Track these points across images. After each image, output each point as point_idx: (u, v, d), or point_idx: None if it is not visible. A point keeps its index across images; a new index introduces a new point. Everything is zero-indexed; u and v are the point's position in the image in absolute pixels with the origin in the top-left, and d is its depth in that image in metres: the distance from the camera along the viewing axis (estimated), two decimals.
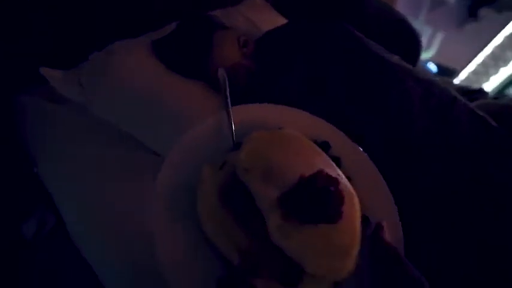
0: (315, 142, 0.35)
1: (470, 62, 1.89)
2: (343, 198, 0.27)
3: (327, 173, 0.27)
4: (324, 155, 0.34)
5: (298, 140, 0.33)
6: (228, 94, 0.35)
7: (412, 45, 1.14)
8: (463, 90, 1.09)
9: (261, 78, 0.65)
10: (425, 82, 0.63)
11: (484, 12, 1.73)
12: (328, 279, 0.27)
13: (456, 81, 1.95)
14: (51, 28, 0.75)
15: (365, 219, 0.31)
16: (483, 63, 1.88)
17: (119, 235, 0.59)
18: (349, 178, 0.33)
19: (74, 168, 0.67)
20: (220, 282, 0.26)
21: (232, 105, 0.36)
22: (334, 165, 0.33)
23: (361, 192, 0.32)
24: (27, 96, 0.77)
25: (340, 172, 0.32)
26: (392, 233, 0.30)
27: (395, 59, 0.68)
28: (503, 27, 1.72)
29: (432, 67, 1.78)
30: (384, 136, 0.55)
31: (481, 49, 1.83)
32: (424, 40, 1.74)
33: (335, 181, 0.27)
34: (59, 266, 0.85)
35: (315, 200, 0.26)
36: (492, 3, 1.68)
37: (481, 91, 1.05)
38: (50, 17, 0.74)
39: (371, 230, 0.30)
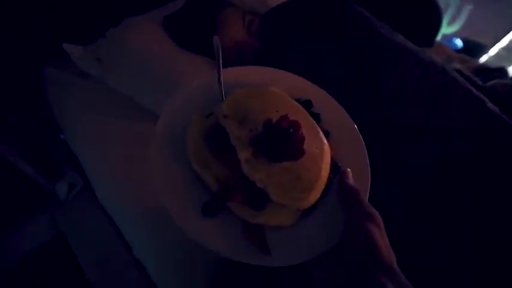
0: (298, 100, 0.40)
1: (502, 37, 1.74)
2: (303, 139, 0.32)
3: (289, 118, 0.32)
4: (303, 110, 0.38)
5: (275, 94, 0.38)
6: (220, 58, 0.39)
7: (431, 19, 1.08)
8: (482, 69, 1.04)
9: (264, 58, 0.66)
10: (425, 63, 0.62)
11: None
12: (291, 207, 0.32)
13: (485, 57, 1.82)
14: (51, 28, 0.79)
15: (336, 166, 0.36)
16: None
17: (137, 193, 0.67)
18: (327, 132, 0.39)
19: (94, 135, 0.74)
20: (204, 206, 0.32)
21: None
22: (311, 119, 0.38)
23: (337, 144, 0.38)
24: (52, 68, 0.85)
25: (315, 125, 0.37)
26: (360, 179, 0.35)
27: (399, 38, 0.66)
28: None
29: (458, 42, 1.66)
30: (375, 120, 0.56)
31: None
32: (449, 13, 1.62)
33: (296, 124, 0.32)
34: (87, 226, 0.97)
35: (278, 139, 0.32)
36: None
37: (501, 70, 0.99)
38: (50, 17, 0.77)
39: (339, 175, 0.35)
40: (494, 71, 1.01)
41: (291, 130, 0.31)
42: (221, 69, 0.39)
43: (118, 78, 0.74)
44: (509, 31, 1.76)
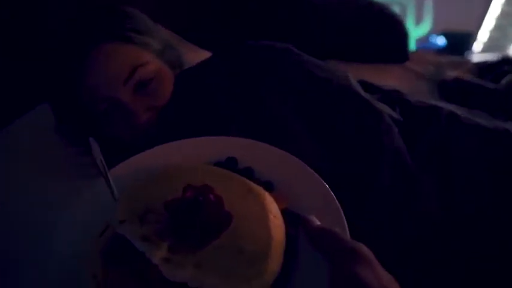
0: (218, 162, 0.37)
1: (484, 17, 1.56)
2: (219, 200, 0.28)
3: (193, 186, 0.28)
4: (220, 171, 0.35)
5: (176, 171, 0.34)
6: (103, 160, 0.34)
7: (394, 32, 0.94)
8: (484, 67, 0.86)
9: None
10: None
11: None
12: None
13: (476, 44, 1.63)
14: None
15: (294, 217, 0.31)
16: (502, 14, 1.54)
17: None
18: (270, 183, 0.35)
19: None
20: None
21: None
22: (238, 176, 0.33)
23: (287, 192, 0.34)
24: None
25: (245, 181, 0.33)
26: (331, 217, 0.31)
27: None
28: None
29: (439, 40, 1.48)
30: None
31: None
32: (411, 14, 1.47)
33: (204, 188, 0.28)
34: None
35: (188, 216, 0.26)
36: None
37: (507, 61, 0.79)
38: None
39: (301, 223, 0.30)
40: (499, 65, 0.81)
41: (200, 198, 0.27)
42: (107, 171, 0.33)
43: None
44: (488, 8, 1.58)
